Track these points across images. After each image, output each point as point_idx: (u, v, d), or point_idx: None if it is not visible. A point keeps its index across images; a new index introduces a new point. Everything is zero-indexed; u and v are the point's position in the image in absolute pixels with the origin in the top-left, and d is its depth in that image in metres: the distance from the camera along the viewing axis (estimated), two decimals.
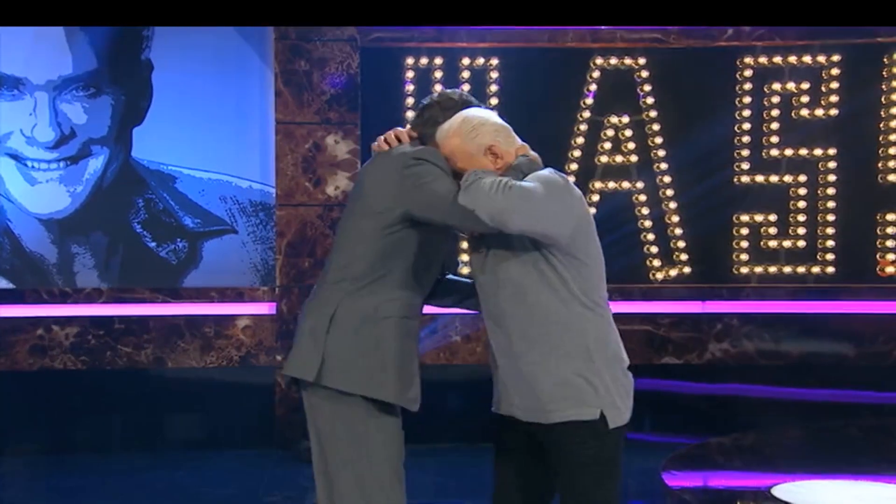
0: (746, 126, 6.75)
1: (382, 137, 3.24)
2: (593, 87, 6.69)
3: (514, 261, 2.92)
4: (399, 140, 3.19)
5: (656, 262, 6.75)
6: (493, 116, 3.11)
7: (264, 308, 6.48)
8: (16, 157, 6.45)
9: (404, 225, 3.05)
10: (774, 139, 6.72)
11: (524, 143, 3.10)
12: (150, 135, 6.56)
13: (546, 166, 3.03)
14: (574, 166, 6.70)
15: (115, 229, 6.58)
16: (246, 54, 6.54)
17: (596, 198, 6.71)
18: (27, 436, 6.45)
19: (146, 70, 6.55)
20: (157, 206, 6.61)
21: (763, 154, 6.74)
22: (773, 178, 6.72)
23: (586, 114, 6.70)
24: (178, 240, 6.63)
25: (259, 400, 6.51)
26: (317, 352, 3.00)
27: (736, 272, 6.76)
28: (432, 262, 3.13)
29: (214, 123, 6.54)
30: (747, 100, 6.75)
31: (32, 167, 6.47)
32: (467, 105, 3.17)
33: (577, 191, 2.96)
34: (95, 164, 6.52)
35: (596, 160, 6.72)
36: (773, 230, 6.73)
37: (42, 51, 6.32)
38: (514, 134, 3.09)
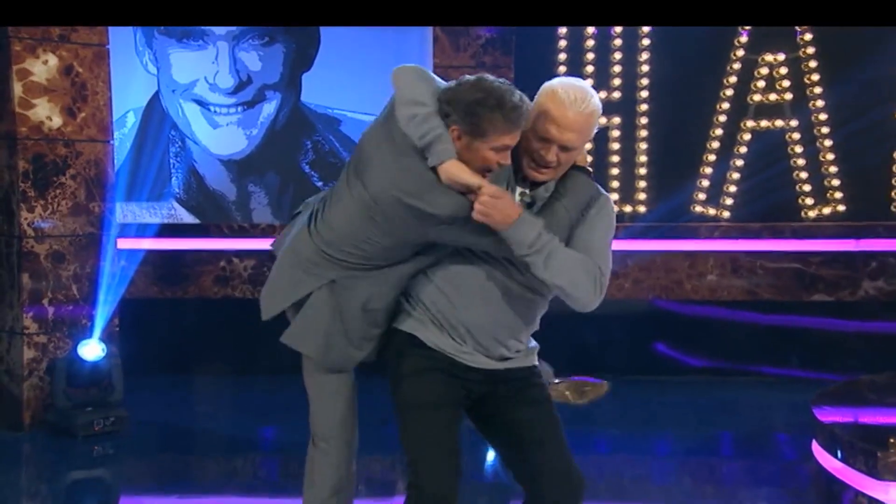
0: None
1: None
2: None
3: None
4: None
5: (809, 200, 6.71)
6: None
7: None
8: (200, 102, 6.93)
9: None
10: None
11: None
12: (317, 80, 6.92)
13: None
14: (726, 105, 6.72)
15: (285, 169, 7.00)
16: None
17: (747, 136, 6.72)
18: (213, 357, 6.96)
19: None
20: (323, 147, 6.98)
21: None
22: None
23: (740, 52, 6.68)
24: None
25: None
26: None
27: (894, 209, 6.66)
28: (373, 236, 2.81)
29: (376, 69, 6.73)
30: None
31: (214, 112, 6.94)
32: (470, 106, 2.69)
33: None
34: (269, 109, 6.94)
35: (749, 99, 6.70)
36: None
37: None
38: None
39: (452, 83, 2.75)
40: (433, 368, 2.90)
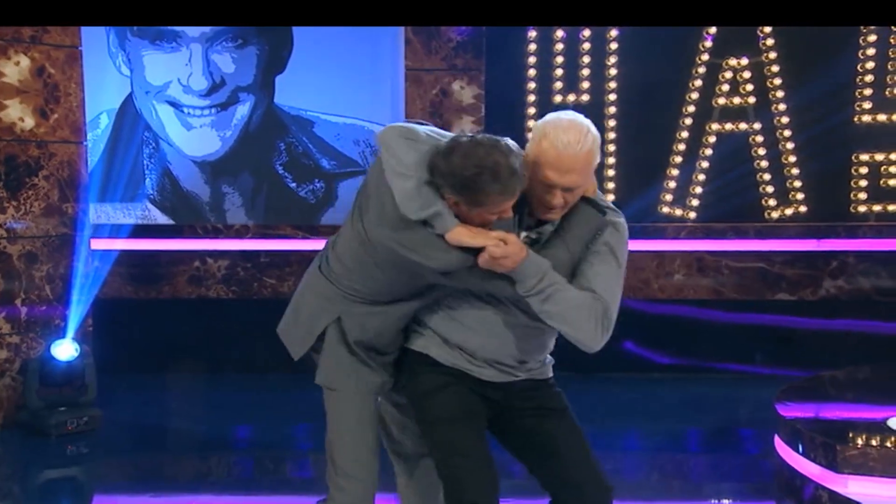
0: (870, 65, 6.70)
1: None
2: (712, 29, 6.73)
3: None
4: None
5: (772, 202, 6.81)
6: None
7: None
8: (174, 104, 6.92)
9: None
10: None
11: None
12: (290, 82, 6.92)
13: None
14: (691, 108, 6.80)
15: (259, 171, 7.00)
16: None
17: (712, 139, 6.81)
18: (187, 356, 6.96)
19: None
20: (297, 149, 7.00)
21: (886, 93, 6.70)
22: None
23: (705, 56, 6.77)
24: (316, 180, 7.01)
25: None
26: None
27: (853, 210, 6.77)
28: (374, 273, 2.88)
29: (349, 71, 6.84)
30: (872, 38, 6.68)
31: (188, 113, 6.93)
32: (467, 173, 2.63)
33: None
34: (243, 111, 6.95)
35: (713, 102, 6.79)
36: (893, 169, 6.72)
37: None
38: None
39: (442, 148, 2.66)
40: (451, 383, 2.90)
